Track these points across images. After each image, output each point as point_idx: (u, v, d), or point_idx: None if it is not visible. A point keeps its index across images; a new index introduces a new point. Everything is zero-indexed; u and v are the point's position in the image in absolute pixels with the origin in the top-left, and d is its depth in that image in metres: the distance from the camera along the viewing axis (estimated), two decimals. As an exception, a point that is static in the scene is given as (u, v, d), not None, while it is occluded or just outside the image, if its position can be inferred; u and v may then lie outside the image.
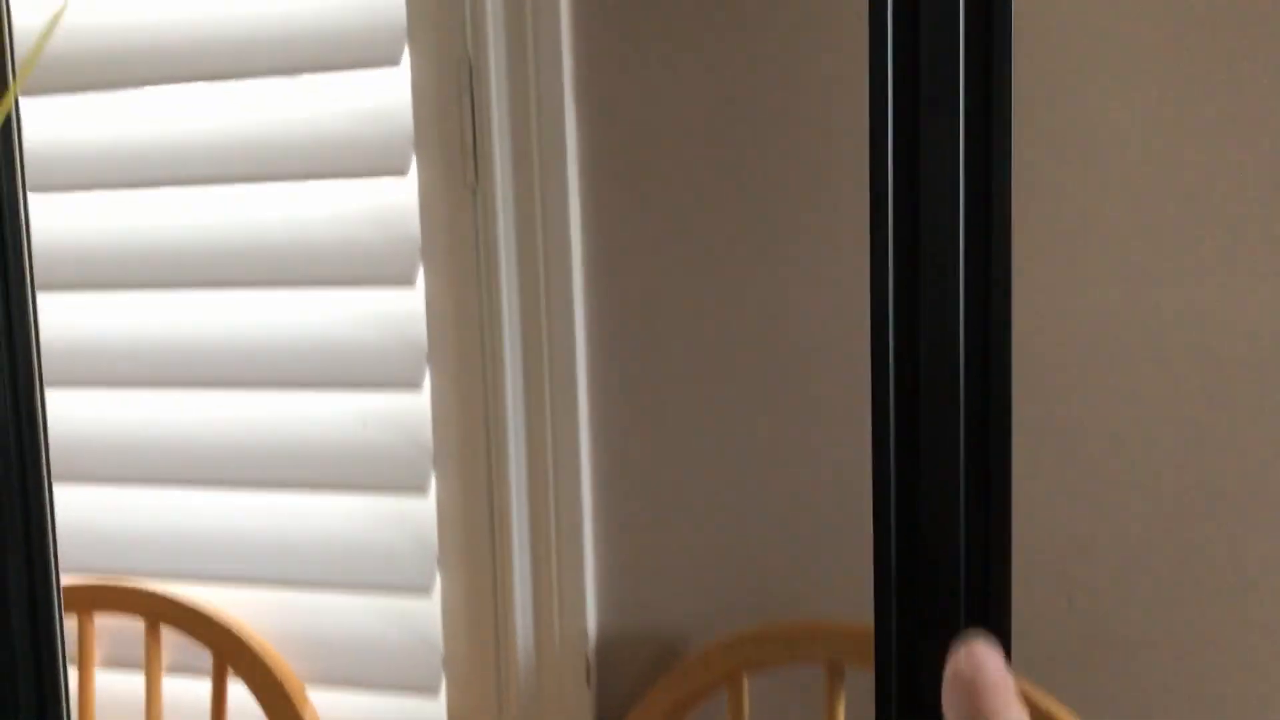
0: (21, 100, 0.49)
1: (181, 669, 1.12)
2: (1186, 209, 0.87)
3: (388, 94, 1.01)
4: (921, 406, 0.35)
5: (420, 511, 1.06)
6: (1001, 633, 0.32)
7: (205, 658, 1.08)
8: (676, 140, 0.96)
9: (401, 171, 1.01)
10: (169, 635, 1.10)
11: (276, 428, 1.08)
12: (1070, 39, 0.88)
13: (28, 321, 0.43)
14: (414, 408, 1.05)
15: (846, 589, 0.96)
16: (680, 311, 0.98)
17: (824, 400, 0.95)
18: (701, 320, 0.97)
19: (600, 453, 1.01)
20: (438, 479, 1.04)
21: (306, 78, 1.02)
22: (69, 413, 1.12)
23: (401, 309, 1.04)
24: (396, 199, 1.03)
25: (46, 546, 0.43)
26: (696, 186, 0.96)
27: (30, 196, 0.46)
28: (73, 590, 1.12)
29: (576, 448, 0.99)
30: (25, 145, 0.46)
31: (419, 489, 1.04)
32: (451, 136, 0.99)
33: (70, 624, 1.15)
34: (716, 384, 0.98)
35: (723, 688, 0.96)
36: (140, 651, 1.09)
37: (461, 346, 1.02)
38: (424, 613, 1.07)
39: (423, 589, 1.04)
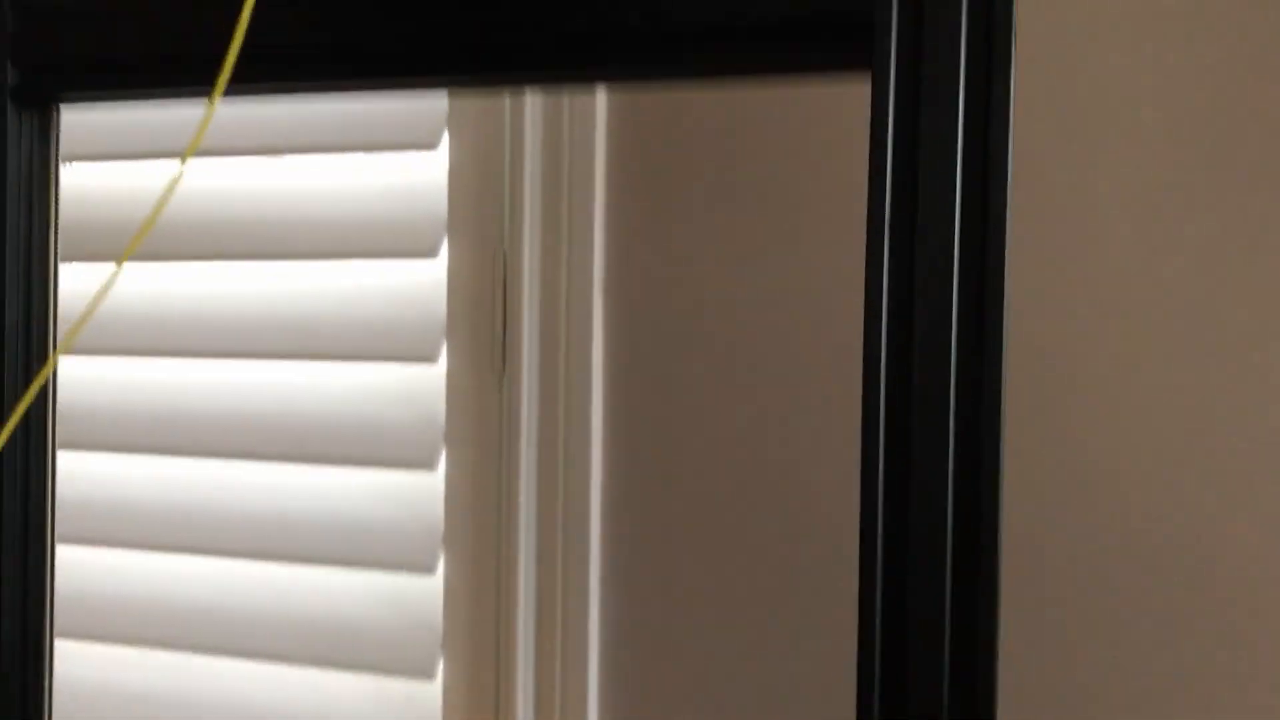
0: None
1: None
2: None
3: (424, 282, 1.04)
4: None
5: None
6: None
7: None
8: (698, 338, 0.99)
9: (432, 359, 1.04)
10: None
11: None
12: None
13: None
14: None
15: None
16: (698, 458, 0.98)
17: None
18: (719, 480, 0.97)
19: (609, 627, 0.99)
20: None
21: (348, 263, 1.07)
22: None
23: (418, 491, 1.05)
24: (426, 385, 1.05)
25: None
26: (717, 380, 0.98)
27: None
28: None
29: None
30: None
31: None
32: (482, 325, 1.03)
33: None
34: (727, 558, 0.97)
35: None
36: None
37: (478, 527, 1.02)
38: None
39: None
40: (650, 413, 1.00)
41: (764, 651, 0.96)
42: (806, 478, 0.95)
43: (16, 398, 0.51)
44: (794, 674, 0.95)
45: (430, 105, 1.03)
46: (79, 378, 1.11)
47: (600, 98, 1.00)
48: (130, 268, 1.12)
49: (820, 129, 0.95)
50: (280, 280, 1.08)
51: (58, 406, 0.56)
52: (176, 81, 0.55)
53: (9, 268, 0.53)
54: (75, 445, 1.09)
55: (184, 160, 0.45)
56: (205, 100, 0.44)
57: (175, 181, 0.44)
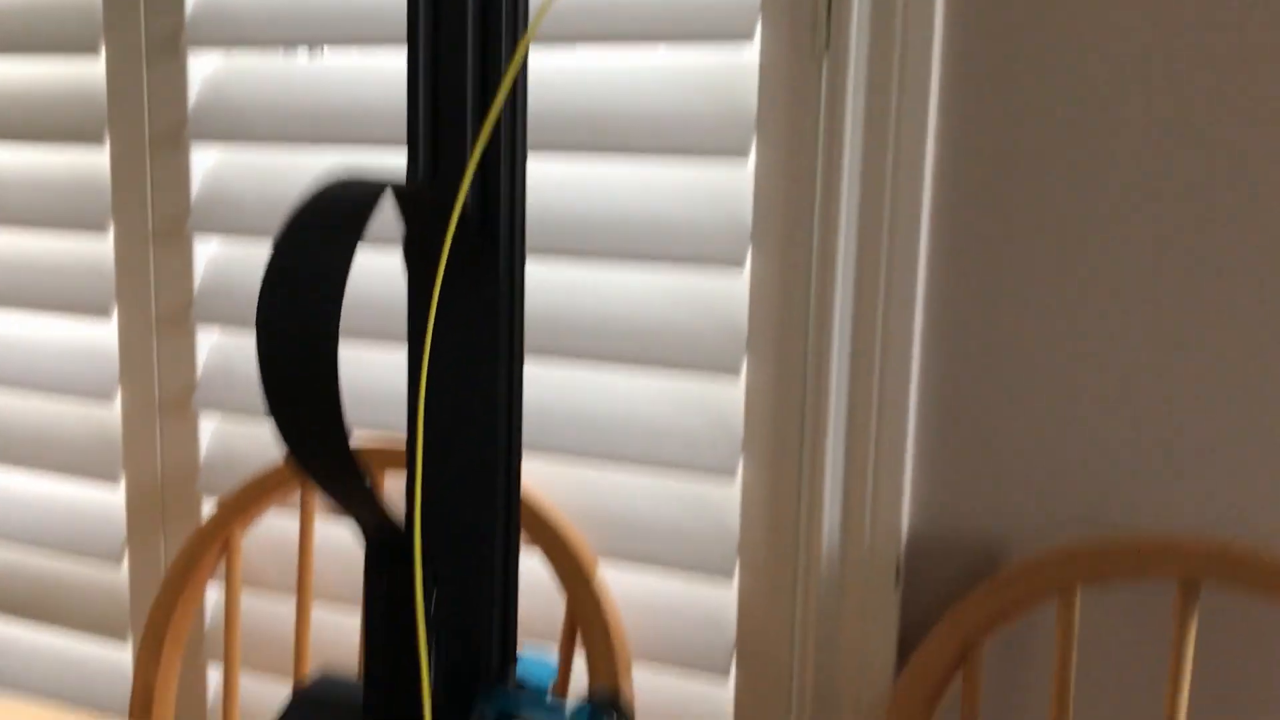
0: None
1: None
2: None
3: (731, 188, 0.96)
4: None
5: (729, 396, 1.03)
6: None
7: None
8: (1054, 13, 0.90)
9: (748, 36, 0.97)
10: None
11: (589, 299, 1.05)
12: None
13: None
14: (731, 290, 1.01)
15: (1194, 502, 0.90)
16: (1034, 193, 0.92)
17: (1180, 293, 0.89)
18: (1056, 206, 0.92)
19: (933, 337, 0.96)
20: (750, 362, 1.00)
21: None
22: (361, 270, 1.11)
23: (727, 185, 1.00)
24: (737, 66, 0.98)
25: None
26: (1071, 67, 0.90)
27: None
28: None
29: (909, 330, 0.95)
30: None
31: (729, 370, 1.00)
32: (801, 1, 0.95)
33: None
34: (1065, 270, 0.92)
35: (1049, 599, 0.92)
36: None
37: (790, 219, 0.97)
38: (723, 498, 1.04)
39: (725, 473, 1.01)
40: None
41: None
42: (1159, 207, 0.89)
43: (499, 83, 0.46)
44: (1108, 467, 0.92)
45: None
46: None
47: None
48: None
49: None
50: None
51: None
52: None
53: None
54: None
55: None
56: None
57: None
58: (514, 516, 0.50)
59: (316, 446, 0.39)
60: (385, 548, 0.46)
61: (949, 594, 0.98)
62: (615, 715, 0.46)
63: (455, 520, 0.47)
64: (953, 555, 0.98)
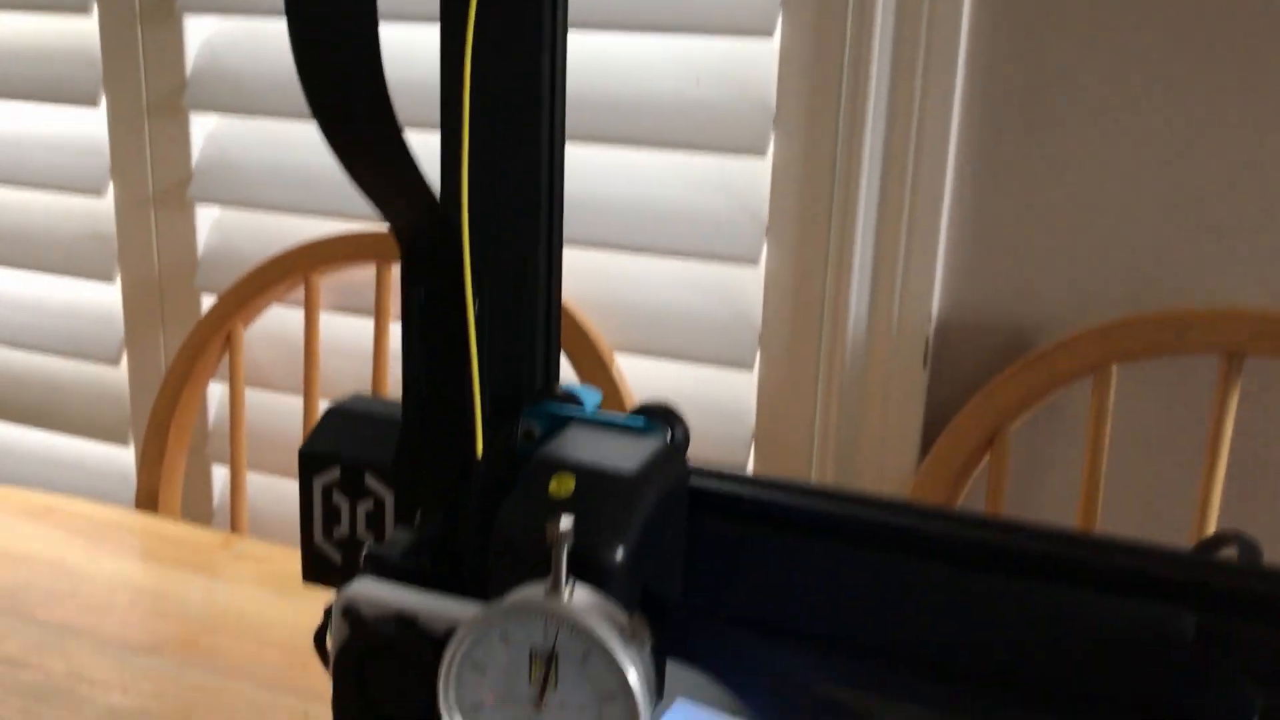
0: None
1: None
2: None
3: None
4: None
5: (754, 174, 0.98)
6: None
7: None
8: None
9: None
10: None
11: (603, 76, 1.00)
12: None
13: None
14: (758, 56, 0.96)
15: (1236, 279, 0.87)
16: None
17: (1221, 66, 0.85)
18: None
19: (971, 112, 0.92)
20: (777, 138, 0.96)
21: None
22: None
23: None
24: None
25: None
26: None
27: None
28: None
29: (948, 104, 0.90)
30: None
31: (755, 151, 0.96)
32: None
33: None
34: (1102, 45, 0.87)
35: (1083, 378, 0.89)
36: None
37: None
38: (745, 283, 1.01)
39: (748, 259, 0.98)
40: None
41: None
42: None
43: None
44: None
45: None
46: None
47: None
48: None
49: None
50: None
51: None
52: None
53: None
54: None
55: None
56: None
57: None
58: (556, 219, 0.46)
59: (358, 126, 0.36)
60: (425, 255, 0.43)
61: (978, 378, 0.96)
62: (669, 423, 0.44)
63: (496, 222, 0.44)
64: (984, 338, 0.95)
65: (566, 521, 0.35)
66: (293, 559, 0.90)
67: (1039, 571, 0.41)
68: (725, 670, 0.42)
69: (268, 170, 1.15)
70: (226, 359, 1.14)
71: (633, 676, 0.34)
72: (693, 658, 0.42)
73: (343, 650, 0.40)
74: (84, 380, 1.33)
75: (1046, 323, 0.93)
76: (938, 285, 0.94)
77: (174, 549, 0.90)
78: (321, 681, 0.72)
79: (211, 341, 1.14)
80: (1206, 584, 0.38)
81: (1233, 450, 0.90)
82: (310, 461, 0.48)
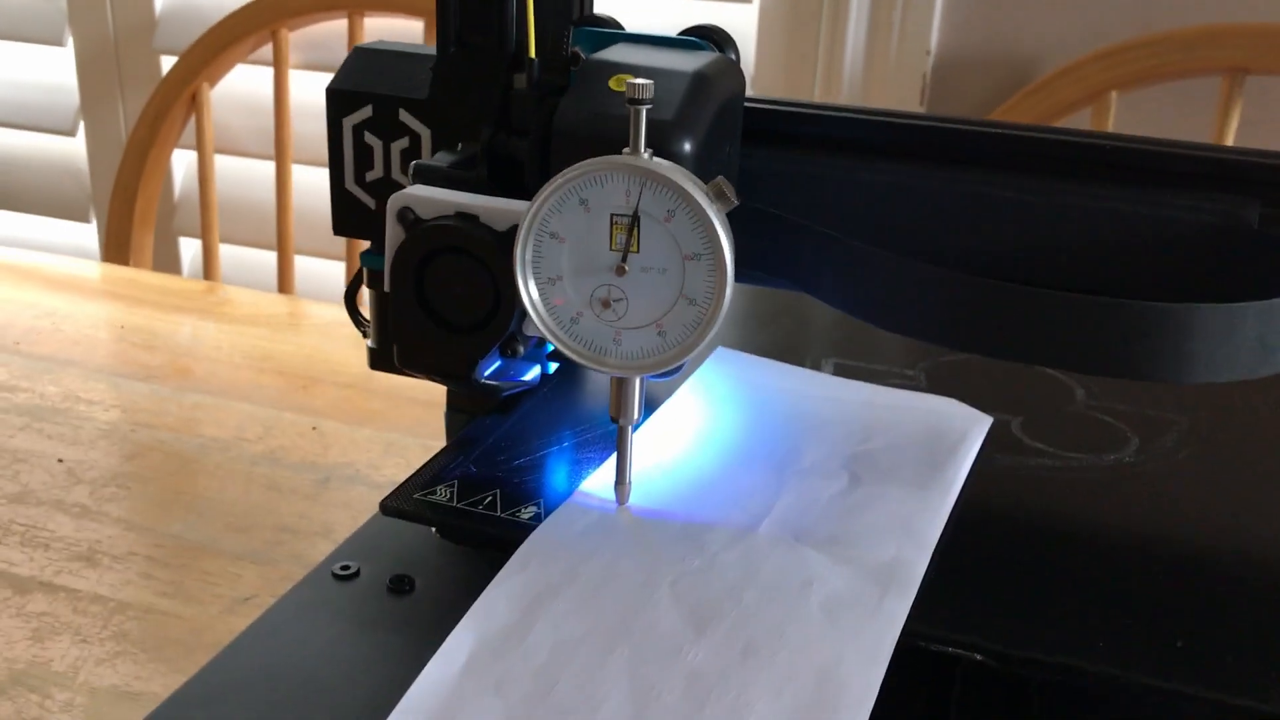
0: None
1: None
2: None
3: None
4: None
5: None
6: None
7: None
8: None
9: None
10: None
11: None
12: None
13: None
14: None
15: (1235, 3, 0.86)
16: None
17: None
18: None
19: None
20: None
21: None
22: None
23: None
24: None
25: None
26: None
27: None
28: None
29: None
30: None
31: None
32: None
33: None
34: None
35: (1084, 108, 0.88)
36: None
37: None
38: (738, 19, 0.98)
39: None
40: None
41: None
42: None
43: None
44: None
45: None
46: None
47: None
48: None
49: None
50: None
51: None
52: None
53: None
54: None
55: None
56: None
57: None
58: None
59: None
60: None
61: (975, 112, 0.94)
62: (720, 43, 0.42)
63: None
64: (982, 71, 0.93)
65: (646, 82, 0.33)
66: (283, 304, 0.88)
67: (1110, 176, 0.40)
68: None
69: (227, -84, 1.09)
70: (192, 124, 1.09)
71: (720, 231, 0.33)
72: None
73: (400, 255, 0.38)
74: (38, 154, 1.28)
75: (1049, 55, 0.91)
76: (936, 18, 0.92)
77: (157, 294, 0.87)
78: (326, 401, 0.71)
79: (174, 105, 1.09)
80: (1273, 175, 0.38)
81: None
82: (340, 100, 0.46)
